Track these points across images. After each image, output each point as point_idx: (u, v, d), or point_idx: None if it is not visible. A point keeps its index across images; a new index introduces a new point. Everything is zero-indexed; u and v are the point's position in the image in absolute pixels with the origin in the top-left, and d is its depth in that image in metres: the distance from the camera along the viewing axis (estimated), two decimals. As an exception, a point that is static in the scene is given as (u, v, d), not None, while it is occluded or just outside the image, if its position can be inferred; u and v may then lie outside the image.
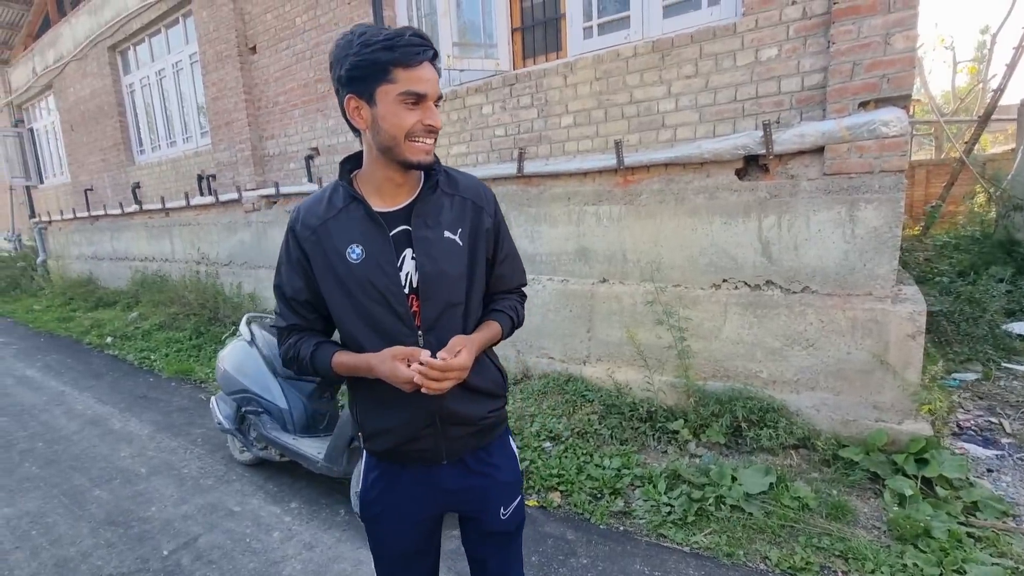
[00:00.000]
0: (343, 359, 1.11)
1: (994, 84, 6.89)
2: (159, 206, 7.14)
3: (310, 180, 5.17)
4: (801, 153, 2.70)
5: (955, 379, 3.44)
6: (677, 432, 2.94)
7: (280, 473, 3.04)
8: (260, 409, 2.86)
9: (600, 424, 3.09)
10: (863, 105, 2.53)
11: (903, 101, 2.49)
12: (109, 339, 6.13)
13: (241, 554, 2.37)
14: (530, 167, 3.63)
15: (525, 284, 1.34)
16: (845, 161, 2.57)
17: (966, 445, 2.80)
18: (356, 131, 1.09)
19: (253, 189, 5.77)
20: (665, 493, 2.54)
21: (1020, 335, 3.88)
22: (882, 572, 1.99)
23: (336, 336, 1.21)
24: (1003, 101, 5.82)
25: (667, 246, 3.18)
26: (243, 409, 2.93)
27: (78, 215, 9.09)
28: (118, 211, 8.02)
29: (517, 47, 3.87)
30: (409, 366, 1.01)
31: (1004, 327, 3.86)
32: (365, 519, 1.26)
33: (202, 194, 6.46)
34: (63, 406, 4.29)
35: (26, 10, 10.59)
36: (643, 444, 2.98)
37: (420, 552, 1.27)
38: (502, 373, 1.28)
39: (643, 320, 3.27)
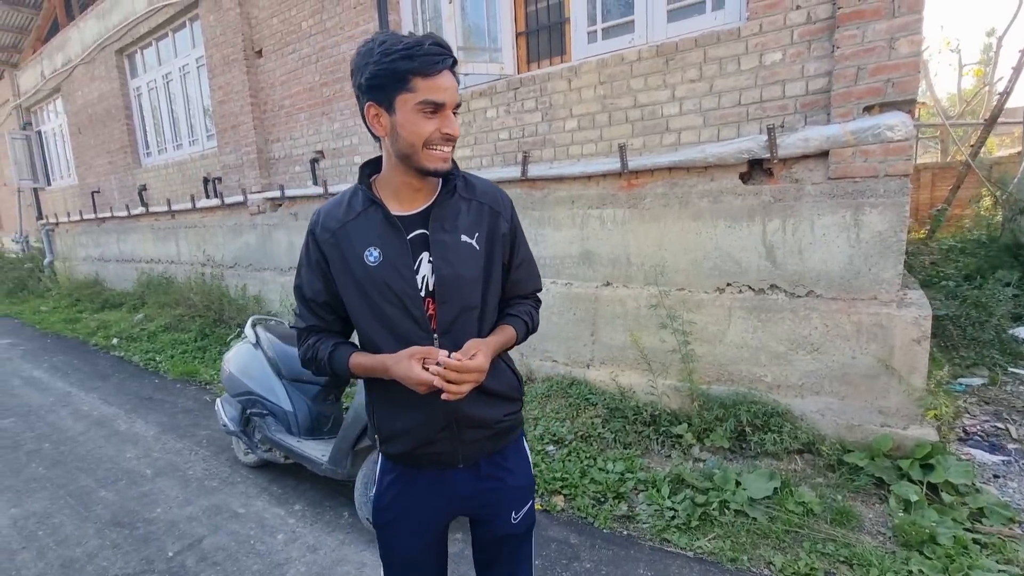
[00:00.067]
0: (360, 360, 1.13)
1: (1000, 87, 6.86)
2: (165, 208, 7.19)
3: (315, 183, 5.20)
4: (805, 157, 2.70)
5: (961, 384, 3.42)
6: (681, 436, 2.93)
7: (284, 475, 3.05)
8: (265, 411, 2.87)
9: (604, 428, 3.09)
10: (868, 109, 2.52)
11: (908, 105, 2.48)
12: (115, 340, 6.17)
13: (245, 556, 2.38)
14: (534, 170, 3.64)
15: (540, 289, 1.34)
16: (850, 165, 2.57)
17: (972, 451, 2.78)
18: (376, 137, 1.11)
19: (258, 192, 5.81)
20: (669, 497, 2.53)
21: (1027, 340, 3.85)
22: (887, 578, 1.98)
23: (355, 337, 1.22)
24: (1009, 104, 5.79)
25: (671, 250, 3.18)
26: (248, 411, 2.94)
27: (85, 217, 9.16)
28: (124, 213, 8.08)
29: (521, 51, 3.89)
30: (426, 367, 1.02)
31: (1011, 332, 3.84)
32: (377, 525, 1.26)
33: (208, 196, 6.50)
34: (70, 407, 4.32)
35: (35, 14, 10.70)
36: (647, 448, 2.98)
37: (430, 558, 1.28)
38: (517, 377, 1.28)
39: (647, 324, 3.27)
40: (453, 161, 1.12)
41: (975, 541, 2.10)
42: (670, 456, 2.91)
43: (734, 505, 2.41)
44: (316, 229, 1.16)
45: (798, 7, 2.64)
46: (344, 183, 4.99)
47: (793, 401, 2.84)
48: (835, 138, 2.56)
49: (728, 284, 3.02)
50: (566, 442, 3.03)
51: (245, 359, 3.01)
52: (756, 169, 2.89)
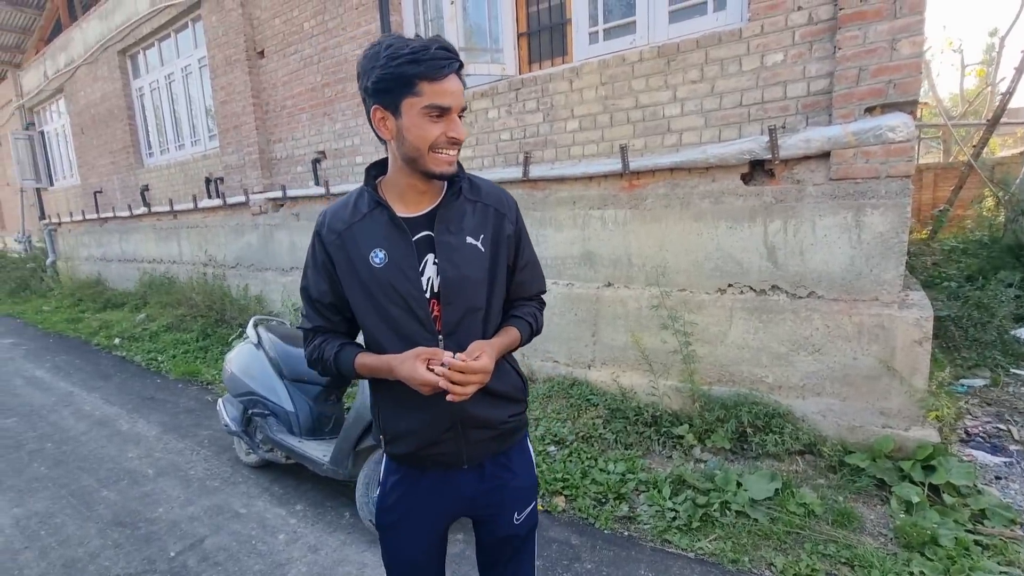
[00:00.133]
0: (365, 360, 1.14)
1: (1003, 87, 6.84)
2: (167, 208, 7.20)
3: (317, 183, 5.21)
4: (807, 158, 2.70)
5: (963, 385, 3.41)
6: (682, 437, 2.93)
7: (286, 475, 3.05)
8: (266, 411, 2.88)
9: (605, 428, 3.09)
10: (869, 110, 2.52)
11: (909, 106, 2.48)
12: (117, 340, 6.18)
13: (247, 556, 2.38)
14: (536, 171, 3.64)
15: (544, 291, 1.35)
16: (851, 166, 2.57)
17: (974, 452, 2.78)
18: (382, 139, 1.11)
19: (260, 192, 5.82)
20: (670, 498, 2.53)
21: (1029, 341, 3.84)
22: (888, 580, 1.98)
23: (360, 338, 1.23)
24: (1012, 104, 5.78)
25: (672, 250, 3.18)
26: (249, 411, 2.95)
27: (87, 217, 9.18)
28: (127, 213, 8.10)
29: (523, 52, 3.89)
30: (431, 369, 1.03)
31: (1013, 333, 3.83)
32: (381, 527, 1.27)
33: (210, 197, 6.52)
34: (72, 407, 4.33)
35: (38, 15, 10.74)
36: (648, 449, 2.98)
37: (431, 560, 1.28)
38: (522, 378, 1.29)
39: (648, 324, 3.27)
40: (459, 163, 1.13)
41: (976, 543, 2.09)
42: (671, 457, 2.91)
43: (735, 506, 2.41)
44: (322, 230, 1.16)
45: (800, 8, 2.64)
46: (346, 183, 5.00)
47: (794, 402, 2.84)
48: (836, 139, 2.56)
49: (729, 285, 3.02)
50: (567, 443, 3.04)
51: (247, 359, 3.01)
52: (757, 170, 2.89)
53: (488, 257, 1.16)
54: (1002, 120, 5.79)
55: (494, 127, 3.87)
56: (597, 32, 3.48)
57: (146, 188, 7.65)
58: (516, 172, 3.70)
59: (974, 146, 6.25)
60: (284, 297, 5.52)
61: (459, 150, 1.10)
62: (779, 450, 2.69)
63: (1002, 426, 3.00)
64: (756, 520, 2.35)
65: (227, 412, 3.08)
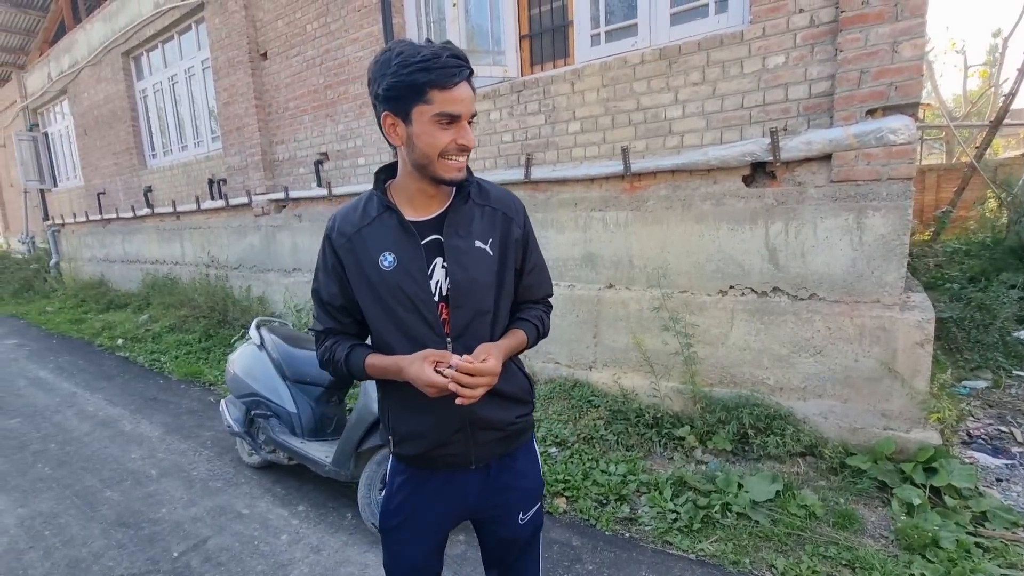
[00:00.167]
0: (375, 361, 1.15)
1: (1006, 88, 6.83)
2: (170, 209, 7.23)
3: (319, 185, 5.22)
4: (808, 160, 2.70)
5: (965, 387, 3.41)
6: (683, 439, 2.93)
7: (288, 476, 3.06)
8: (269, 412, 2.89)
9: (606, 430, 3.09)
10: (871, 113, 2.52)
11: (911, 109, 2.48)
12: (120, 341, 6.21)
13: (249, 556, 2.39)
14: (537, 173, 3.65)
15: (551, 295, 1.36)
16: (852, 168, 2.57)
17: (975, 454, 2.77)
18: (392, 144, 1.12)
19: (263, 193, 5.84)
20: (671, 500, 2.54)
21: (1032, 343, 3.84)
22: (890, 582, 1.98)
23: (371, 340, 1.24)
24: (1015, 105, 5.77)
25: (674, 252, 3.18)
26: (252, 412, 2.96)
27: (91, 218, 9.22)
28: (130, 214, 8.13)
29: (525, 54, 3.90)
30: (438, 371, 1.04)
31: (1015, 334, 3.83)
32: (385, 529, 1.27)
33: (213, 198, 6.54)
34: (75, 408, 4.35)
35: (42, 17, 10.80)
36: (649, 450, 2.98)
37: (431, 564, 1.29)
38: (529, 380, 1.30)
39: (649, 326, 3.27)
40: (468, 168, 1.14)
41: (978, 545, 2.09)
42: (672, 458, 2.91)
43: (736, 508, 2.41)
44: (332, 234, 1.17)
45: (801, 10, 2.64)
46: (348, 185, 5.01)
47: (796, 404, 2.84)
48: (838, 141, 2.56)
49: (731, 287, 3.02)
50: (568, 444, 3.04)
51: (249, 360, 3.02)
52: (759, 172, 2.89)
53: (496, 261, 1.17)
54: (1005, 121, 5.78)
55: (496, 129, 3.88)
56: (599, 34, 3.49)
57: (149, 189, 7.68)
58: (518, 174, 3.71)
59: (977, 147, 6.24)
60: (286, 298, 5.54)
61: (468, 156, 1.11)
62: (780, 452, 2.69)
63: (1004, 428, 3.00)
64: (757, 522, 2.35)
65: (230, 413, 3.09)
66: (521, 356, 1.29)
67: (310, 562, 2.34)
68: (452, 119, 1.03)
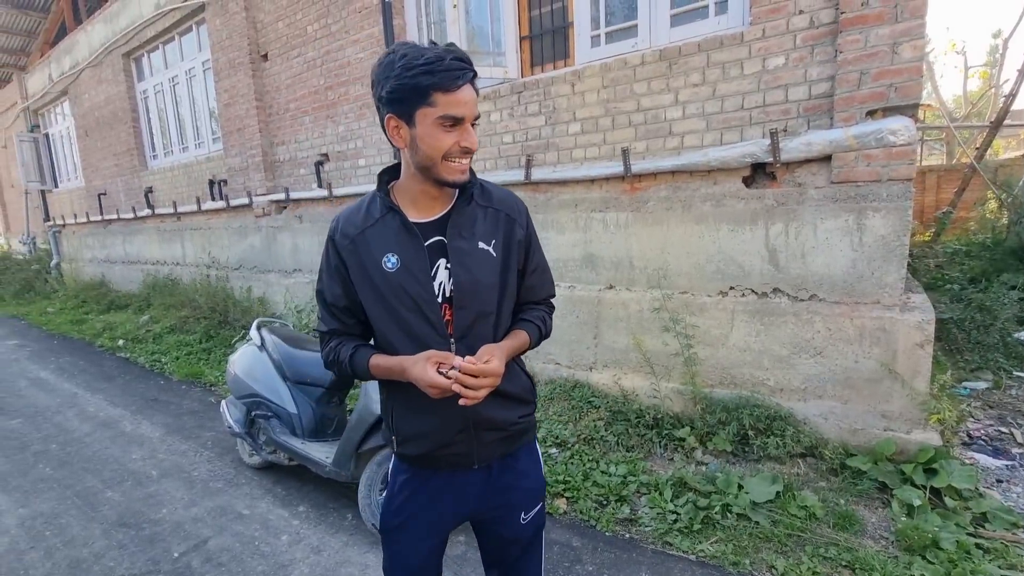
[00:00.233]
0: (379, 362, 1.15)
1: (1006, 89, 6.83)
2: (171, 210, 7.24)
3: (320, 186, 5.23)
4: (808, 161, 2.70)
5: (965, 388, 3.41)
6: (683, 439, 2.93)
7: (288, 477, 3.07)
8: (269, 413, 2.89)
9: (606, 431, 3.09)
10: (871, 114, 2.53)
11: (911, 110, 2.49)
12: (121, 342, 6.21)
13: (250, 557, 2.40)
14: (538, 174, 3.65)
15: (554, 296, 1.36)
16: (852, 169, 2.57)
17: (976, 455, 2.77)
18: (396, 147, 1.12)
19: (264, 194, 5.84)
20: (671, 501, 2.54)
21: (1032, 344, 3.84)
22: (890, 583, 1.98)
23: (374, 340, 1.25)
24: (1015, 106, 5.77)
25: (674, 253, 3.19)
26: (253, 413, 2.97)
27: (91, 219, 9.23)
28: (131, 215, 8.14)
29: (525, 55, 3.91)
30: (441, 372, 1.04)
31: (1016, 335, 3.83)
32: (386, 530, 1.27)
33: (213, 199, 6.55)
34: (76, 408, 4.35)
35: (43, 18, 10.81)
36: (649, 451, 2.98)
37: (431, 565, 1.29)
38: (531, 380, 1.31)
39: (650, 327, 3.27)
40: (471, 170, 1.14)
41: (978, 546, 2.09)
42: (672, 459, 2.91)
43: (736, 509, 2.42)
44: (336, 235, 1.18)
45: (801, 12, 2.65)
46: (348, 186, 5.02)
47: (796, 405, 2.84)
48: (838, 142, 2.56)
49: (731, 288, 3.02)
50: (569, 445, 3.04)
51: (250, 361, 3.03)
52: (759, 173, 2.90)
53: (499, 262, 1.17)
54: (1005, 122, 5.78)
55: (496, 130, 3.89)
56: (599, 35, 3.50)
57: (150, 190, 7.69)
58: (518, 175, 3.72)
59: (977, 148, 6.24)
60: (287, 299, 5.55)
61: (471, 158, 1.11)
62: (780, 453, 2.69)
63: (1004, 429, 3.00)
64: (757, 523, 2.35)
65: (230, 414, 3.09)
66: (522, 356, 1.29)
67: (310, 563, 2.34)
68: (455, 121, 1.03)
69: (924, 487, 2.38)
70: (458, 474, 1.22)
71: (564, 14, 3.66)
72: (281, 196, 5.63)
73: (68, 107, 9.64)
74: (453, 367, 1.03)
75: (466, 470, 1.22)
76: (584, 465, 2.87)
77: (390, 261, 1.12)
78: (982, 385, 3.44)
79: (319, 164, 5.23)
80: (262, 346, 3.04)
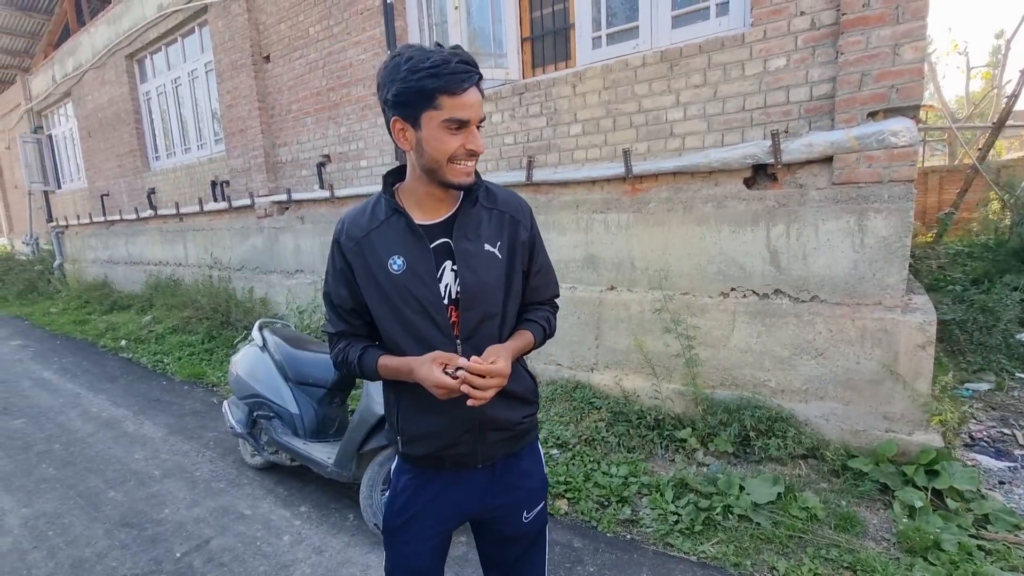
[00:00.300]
0: (387, 362, 1.16)
1: (1009, 90, 6.82)
2: (173, 211, 7.26)
3: (322, 187, 5.24)
4: (810, 162, 2.70)
5: (968, 389, 3.40)
6: (685, 441, 2.93)
7: (290, 477, 3.07)
8: (271, 414, 2.90)
9: (607, 431, 3.09)
10: (872, 115, 2.53)
11: (912, 111, 2.49)
12: (123, 342, 6.23)
13: (252, 557, 2.40)
14: (539, 175, 3.66)
15: (557, 296, 1.37)
16: (854, 171, 2.57)
17: (978, 456, 2.77)
18: (402, 149, 1.13)
19: (266, 195, 5.86)
20: (672, 502, 2.54)
21: (1034, 345, 3.83)
22: (891, 585, 1.98)
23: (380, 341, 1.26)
24: (1018, 107, 5.76)
25: (675, 254, 3.19)
26: (255, 413, 2.98)
27: (94, 220, 9.26)
28: (133, 216, 8.16)
29: (526, 56, 3.91)
30: (447, 373, 1.05)
31: (1018, 337, 3.82)
32: (389, 530, 1.28)
33: (216, 200, 6.57)
34: (79, 408, 4.37)
35: (47, 20, 10.86)
36: (650, 452, 2.99)
37: (434, 566, 1.29)
38: (534, 380, 1.32)
39: (651, 328, 3.27)
40: (476, 172, 1.15)
41: (980, 547, 2.09)
42: (674, 460, 2.91)
43: (738, 510, 2.42)
44: (341, 238, 1.18)
45: (802, 13, 2.65)
46: (350, 187, 5.03)
47: (797, 406, 2.84)
48: (839, 144, 2.56)
49: (732, 289, 3.02)
50: (570, 446, 3.05)
51: (252, 362, 3.04)
52: (760, 174, 2.90)
53: (505, 263, 1.18)
54: (1008, 123, 5.77)
55: (498, 131, 3.89)
56: (600, 37, 3.50)
57: (152, 191, 7.71)
58: (519, 176, 3.72)
59: (979, 149, 6.23)
60: (289, 300, 5.56)
61: (476, 160, 1.12)
62: (782, 454, 2.69)
63: (1007, 431, 3.00)
64: (758, 524, 2.35)
65: (232, 414, 3.10)
66: (524, 357, 1.30)
67: (312, 563, 2.34)
68: (461, 124, 1.04)
69: (926, 488, 2.38)
70: (462, 474, 1.23)
71: (565, 15, 3.67)
72: (283, 197, 5.65)
73: (71, 108, 9.67)
74: (458, 368, 1.04)
75: (471, 470, 1.22)
76: (585, 466, 2.87)
77: (396, 263, 1.12)
78: (984, 386, 3.43)
79: (321, 165, 5.24)
80: (264, 347, 3.04)
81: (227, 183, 6.40)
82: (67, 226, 10.47)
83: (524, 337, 1.22)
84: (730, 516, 2.41)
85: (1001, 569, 1.98)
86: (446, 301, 1.14)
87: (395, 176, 1.21)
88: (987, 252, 4.98)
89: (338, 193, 5.06)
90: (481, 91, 1.07)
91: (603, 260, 3.49)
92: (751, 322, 2.94)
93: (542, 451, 1.38)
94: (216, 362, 5.20)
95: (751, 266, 2.94)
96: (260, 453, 3.03)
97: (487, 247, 1.16)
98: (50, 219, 10.99)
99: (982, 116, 11.71)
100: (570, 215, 3.60)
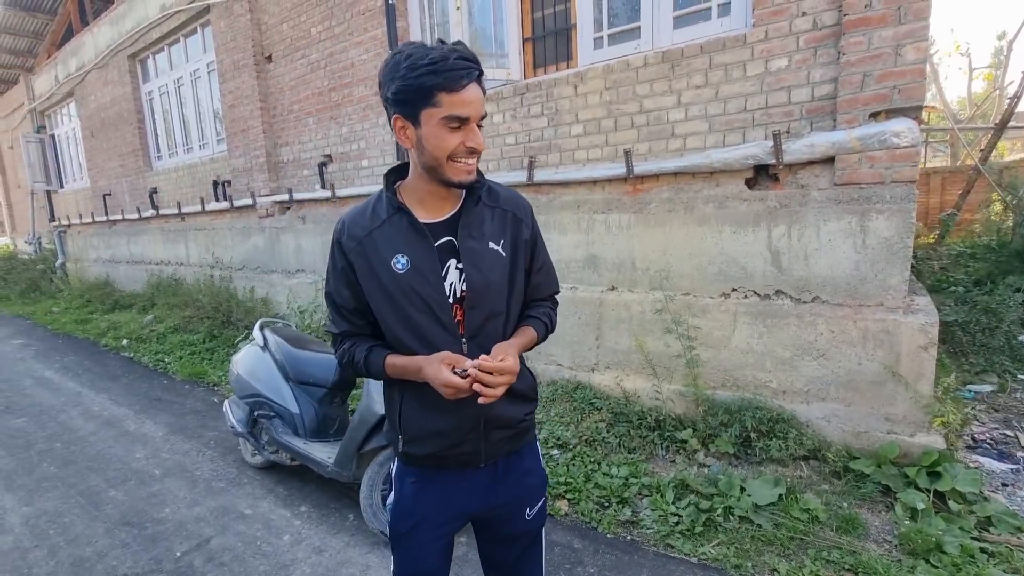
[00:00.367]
0: (395, 361, 1.16)
1: (1011, 90, 6.80)
2: (175, 211, 7.27)
3: (323, 187, 5.25)
4: (811, 163, 2.70)
5: (970, 391, 3.39)
6: (685, 441, 2.93)
7: (290, 477, 3.07)
8: (272, 413, 2.90)
9: (608, 432, 3.09)
10: (874, 116, 2.52)
11: (914, 112, 2.48)
12: (125, 341, 6.24)
13: (252, 557, 2.40)
14: (540, 175, 3.66)
15: (558, 292, 1.38)
16: (856, 171, 2.57)
17: (980, 458, 2.76)
18: (404, 147, 1.13)
19: (267, 195, 5.87)
20: (673, 503, 2.53)
21: (1037, 347, 3.81)
22: (893, 587, 1.97)
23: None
24: (1020, 108, 5.74)
25: (676, 255, 3.18)
26: (255, 413, 2.98)
27: (96, 219, 9.28)
28: (135, 215, 8.18)
29: (528, 57, 3.91)
30: (455, 372, 1.05)
31: (1021, 338, 3.80)
32: (396, 535, 1.26)
33: (217, 200, 6.58)
34: (80, 407, 4.37)
35: (50, 20, 10.88)
36: (651, 453, 2.98)
37: (443, 567, 1.29)
38: (534, 377, 1.32)
39: (652, 328, 3.27)
40: (479, 171, 1.14)
41: (982, 550, 2.08)
42: (675, 461, 2.91)
43: (739, 511, 2.41)
44: (342, 237, 1.17)
45: (804, 14, 2.64)
46: (351, 187, 5.03)
47: (799, 407, 2.84)
48: (841, 144, 2.56)
49: (733, 289, 3.02)
50: (570, 446, 3.04)
51: (253, 361, 3.04)
52: (762, 175, 2.89)
53: (508, 262, 1.18)
54: (1010, 124, 5.76)
55: (499, 131, 3.89)
56: (602, 37, 3.50)
57: (154, 191, 7.73)
58: (521, 176, 3.72)
59: (982, 150, 6.22)
60: (290, 299, 5.56)
61: (478, 158, 1.11)
62: (783, 455, 2.68)
63: (1009, 432, 2.98)
64: (759, 526, 2.35)
65: (233, 413, 3.10)
66: (523, 354, 1.30)
67: (312, 563, 2.34)
68: (461, 121, 1.03)
69: (928, 490, 2.37)
70: (466, 473, 1.22)
71: (567, 16, 3.67)
72: (284, 197, 5.65)
73: (74, 108, 9.70)
74: (465, 369, 1.04)
75: (474, 469, 1.22)
76: (586, 467, 2.86)
77: (400, 262, 1.11)
78: (987, 388, 3.42)
79: (322, 165, 5.25)
80: (265, 346, 3.05)
81: (229, 183, 6.41)
82: (69, 225, 10.50)
83: (528, 334, 1.23)
84: (731, 517, 2.40)
85: (1004, 572, 1.97)
86: (451, 300, 1.13)
87: (397, 174, 1.20)
88: (989, 253, 4.96)
89: (339, 193, 5.06)
90: (482, 87, 1.06)
91: (604, 260, 3.49)
92: (752, 323, 2.94)
93: (541, 451, 1.38)
94: (217, 361, 5.21)
95: (752, 267, 2.93)
96: (260, 452, 3.03)
97: (492, 245, 1.16)
98: (52, 219, 11.01)
99: (984, 117, 11.68)
100: (571, 215, 3.59)
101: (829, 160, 2.63)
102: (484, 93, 1.07)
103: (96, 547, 2.52)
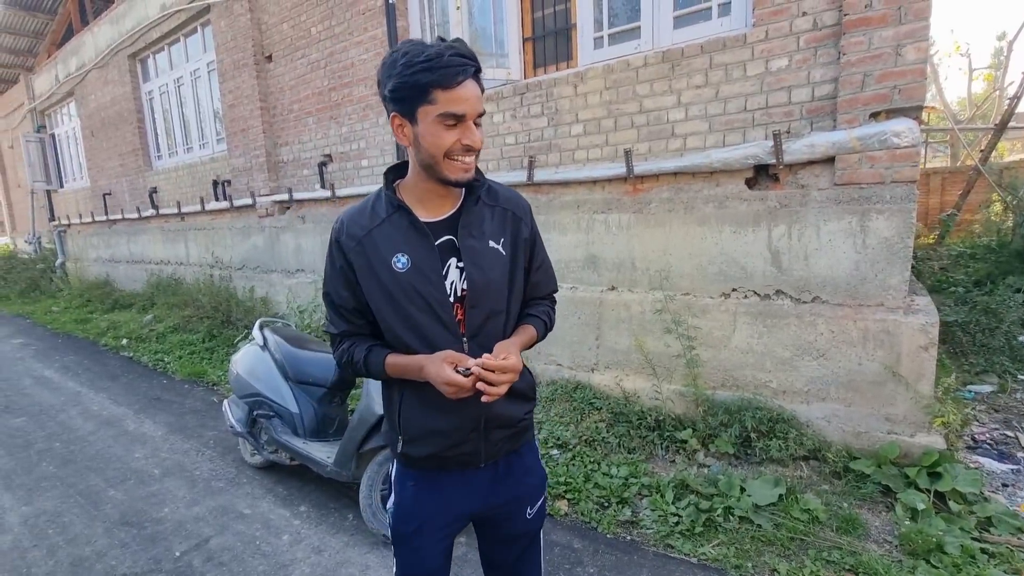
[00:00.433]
0: (396, 360, 1.15)
1: (1011, 91, 6.80)
2: (175, 211, 7.27)
3: (323, 186, 5.24)
4: (811, 163, 2.69)
5: (970, 391, 3.39)
6: (685, 442, 2.92)
7: (290, 477, 3.07)
8: (271, 413, 2.90)
9: (608, 432, 3.09)
10: (874, 116, 2.52)
11: (914, 112, 2.48)
12: (124, 341, 6.24)
13: (251, 556, 2.40)
14: (540, 175, 3.65)
15: (556, 290, 1.38)
16: (856, 171, 2.56)
17: (981, 459, 2.76)
18: (402, 145, 1.12)
19: (267, 195, 5.86)
20: (673, 503, 2.53)
21: (1037, 347, 3.81)
22: (893, 587, 1.97)
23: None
24: (1020, 108, 5.74)
25: (676, 255, 3.18)
26: (255, 413, 2.97)
27: (96, 219, 9.28)
28: (135, 215, 8.18)
29: (528, 56, 3.91)
30: (458, 371, 1.04)
31: (1021, 338, 3.80)
32: (399, 538, 1.26)
33: (217, 199, 6.57)
34: (79, 407, 4.37)
35: (50, 19, 10.88)
36: (651, 453, 2.98)
37: (445, 568, 1.29)
38: (532, 376, 1.32)
39: (652, 328, 3.27)
40: (478, 170, 1.13)
41: (983, 550, 2.08)
42: (674, 461, 2.91)
43: (739, 512, 2.41)
44: (341, 237, 1.16)
45: (804, 14, 2.64)
46: (351, 187, 5.03)
47: (799, 407, 2.83)
48: (841, 144, 2.56)
49: (733, 289, 3.02)
50: (570, 446, 3.04)
51: (252, 361, 3.04)
52: (762, 175, 2.89)
53: (508, 260, 1.18)
54: (1010, 124, 5.76)
55: (499, 131, 3.89)
56: (602, 37, 3.50)
57: (154, 190, 7.73)
58: (521, 176, 3.72)
59: (982, 150, 6.22)
60: (289, 299, 5.56)
61: (476, 156, 1.10)
62: (783, 455, 2.68)
63: (1010, 433, 2.98)
64: (760, 526, 2.34)
65: (232, 413, 3.10)
66: (523, 354, 1.29)
67: (311, 562, 2.34)
68: (456, 118, 1.02)
69: (928, 491, 2.37)
70: (466, 473, 1.22)
71: (567, 16, 3.67)
72: (284, 197, 5.65)
73: (74, 108, 9.69)
74: (468, 368, 1.04)
75: (474, 469, 1.22)
76: (585, 467, 2.86)
77: (400, 261, 1.11)
78: (987, 388, 3.42)
79: (322, 165, 5.24)
80: (264, 346, 3.04)
81: (228, 182, 6.41)
82: (69, 225, 10.49)
83: (528, 332, 1.23)
84: (731, 518, 2.40)
85: (1004, 572, 1.97)
86: (452, 299, 1.13)
87: (396, 173, 1.20)
88: (990, 254, 4.96)
89: (339, 193, 5.06)
90: (480, 84, 1.05)
91: (604, 260, 3.49)
92: (752, 323, 2.93)
93: (540, 451, 1.38)
94: (216, 361, 5.20)
95: (752, 267, 2.93)
96: (260, 452, 3.02)
97: (492, 244, 1.15)
98: (52, 218, 11.01)
99: (984, 118, 11.68)
100: (571, 215, 3.59)
101: (829, 160, 2.63)
102: (482, 91, 1.06)
103: (95, 547, 2.51)
